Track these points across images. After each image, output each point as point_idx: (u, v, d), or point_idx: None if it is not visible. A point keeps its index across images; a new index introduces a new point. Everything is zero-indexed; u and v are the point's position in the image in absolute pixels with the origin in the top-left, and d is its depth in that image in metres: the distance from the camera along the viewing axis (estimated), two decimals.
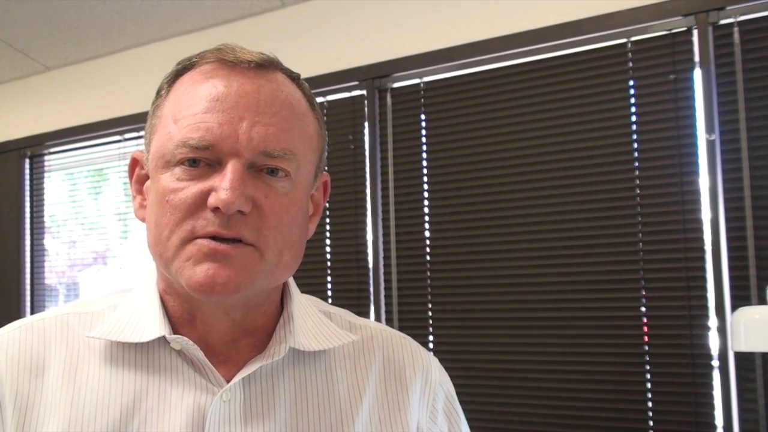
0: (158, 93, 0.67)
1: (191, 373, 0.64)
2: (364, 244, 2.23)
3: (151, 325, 0.65)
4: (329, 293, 2.28)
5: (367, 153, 2.24)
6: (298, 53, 2.39)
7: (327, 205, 2.30)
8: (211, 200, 0.59)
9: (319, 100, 2.34)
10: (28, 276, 3.01)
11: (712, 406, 1.71)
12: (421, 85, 2.17)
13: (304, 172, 0.66)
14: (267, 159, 0.61)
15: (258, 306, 0.68)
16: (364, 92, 2.25)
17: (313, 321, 0.72)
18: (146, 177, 0.68)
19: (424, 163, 2.15)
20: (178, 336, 0.64)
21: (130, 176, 0.70)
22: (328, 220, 2.30)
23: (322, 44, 2.35)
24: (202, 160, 0.60)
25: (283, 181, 0.63)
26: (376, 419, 0.70)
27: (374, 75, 2.22)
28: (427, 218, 2.14)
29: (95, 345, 0.66)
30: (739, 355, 1.68)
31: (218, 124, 0.60)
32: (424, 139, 2.16)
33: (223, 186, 0.59)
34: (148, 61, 2.73)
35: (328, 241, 2.29)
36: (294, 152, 0.63)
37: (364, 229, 2.23)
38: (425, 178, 2.15)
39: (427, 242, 2.13)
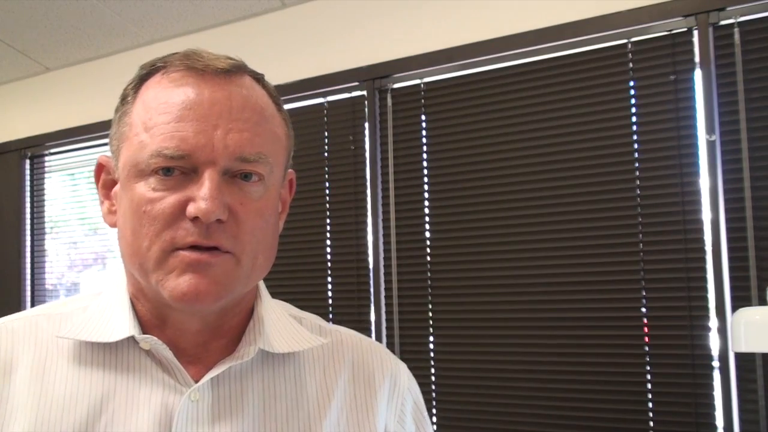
0: (124, 100, 0.67)
1: (159, 373, 0.65)
2: (365, 245, 2.23)
3: (120, 325, 0.65)
4: (329, 293, 2.28)
5: (367, 153, 2.24)
6: (299, 54, 2.39)
7: (327, 205, 2.31)
8: (191, 210, 0.59)
9: (320, 100, 2.34)
10: (28, 277, 3.01)
11: (712, 407, 1.71)
12: (422, 85, 2.17)
13: (276, 174, 0.67)
14: (242, 164, 0.62)
15: (231, 309, 0.68)
16: (364, 93, 2.25)
17: (283, 324, 0.73)
18: (113, 182, 0.68)
19: (425, 164, 2.15)
20: (148, 336, 0.64)
21: (96, 181, 0.70)
22: (328, 221, 2.30)
23: (322, 45, 2.35)
24: (176, 168, 0.61)
25: (257, 186, 0.64)
26: (344, 422, 0.71)
27: (374, 75, 2.22)
28: (427, 219, 2.14)
29: (64, 345, 0.66)
30: (739, 356, 1.68)
31: (193, 133, 0.60)
32: (424, 140, 2.16)
33: (201, 196, 0.59)
34: None
35: (328, 242, 2.29)
36: (267, 156, 0.64)
37: (364, 230, 2.23)
38: (426, 179, 2.15)
39: (428, 243, 2.13)
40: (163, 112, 0.61)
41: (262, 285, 0.74)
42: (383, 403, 0.74)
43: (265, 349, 0.68)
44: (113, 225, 0.67)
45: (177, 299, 0.60)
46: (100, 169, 0.69)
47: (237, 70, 0.65)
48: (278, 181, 0.68)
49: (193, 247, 0.60)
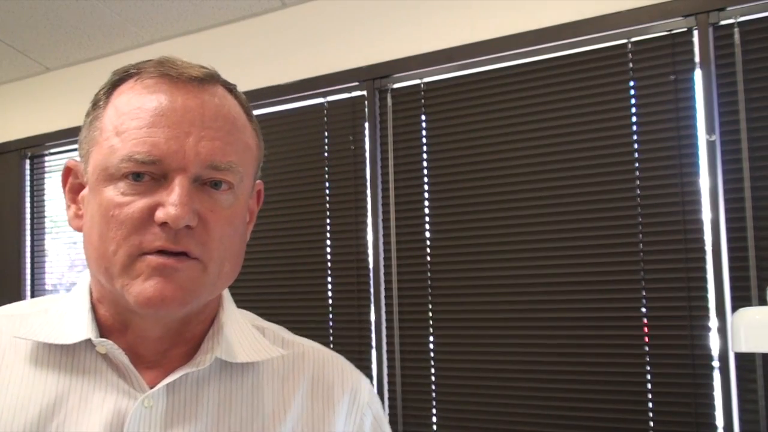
0: (95, 104, 0.67)
1: (115, 377, 0.65)
2: (364, 245, 2.23)
3: (78, 328, 0.65)
4: (329, 293, 2.28)
5: (367, 154, 2.24)
6: (299, 54, 2.39)
7: (327, 205, 2.31)
8: (160, 215, 0.59)
9: (320, 100, 2.34)
10: (28, 276, 3.01)
11: (712, 407, 1.71)
12: (422, 85, 2.17)
13: (246, 184, 0.67)
14: (213, 172, 0.62)
15: (195, 316, 0.68)
16: (364, 93, 2.25)
17: (243, 334, 0.72)
18: (80, 186, 0.68)
19: (425, 164, 2.15)
20: (104, 339, 0.64)
21: (63, 185, 0.70)
22: (328, 221, 2.30)
23: (322, 45, 2.35)
24: (146, 173, 0.60)
25: (227, 194, 0.64)
26: None
27: (374, 76, 2.22)
28: (427, 219, 2.14)
29: (21, 347, 0.66)
30: (739, 356, 1.68)
31: (165, 139, 0.60)
32: (424, 140, 2.16)
33: (171, 201, 0.59)
34: None
35: (328, 242, 2.29)
36: (237, 165, 0.64)
37: (364, 230, 2.23)
38: (425, 179, 2.15)
39: (428, 243, 2.13)
40: (136, 118, 0.61)
41: (226, 294, 0.74)
42: (341, 417, 0.74)
43: (222, 357, 0.67)
44: (79, 229, 0.67)
45: (142, 304, 0.60)
46: (68, 172, 0.69)
47: (210, 79, 0.66)
48: (247, 190, 0.68)
49: (161, 252, 0.60)
